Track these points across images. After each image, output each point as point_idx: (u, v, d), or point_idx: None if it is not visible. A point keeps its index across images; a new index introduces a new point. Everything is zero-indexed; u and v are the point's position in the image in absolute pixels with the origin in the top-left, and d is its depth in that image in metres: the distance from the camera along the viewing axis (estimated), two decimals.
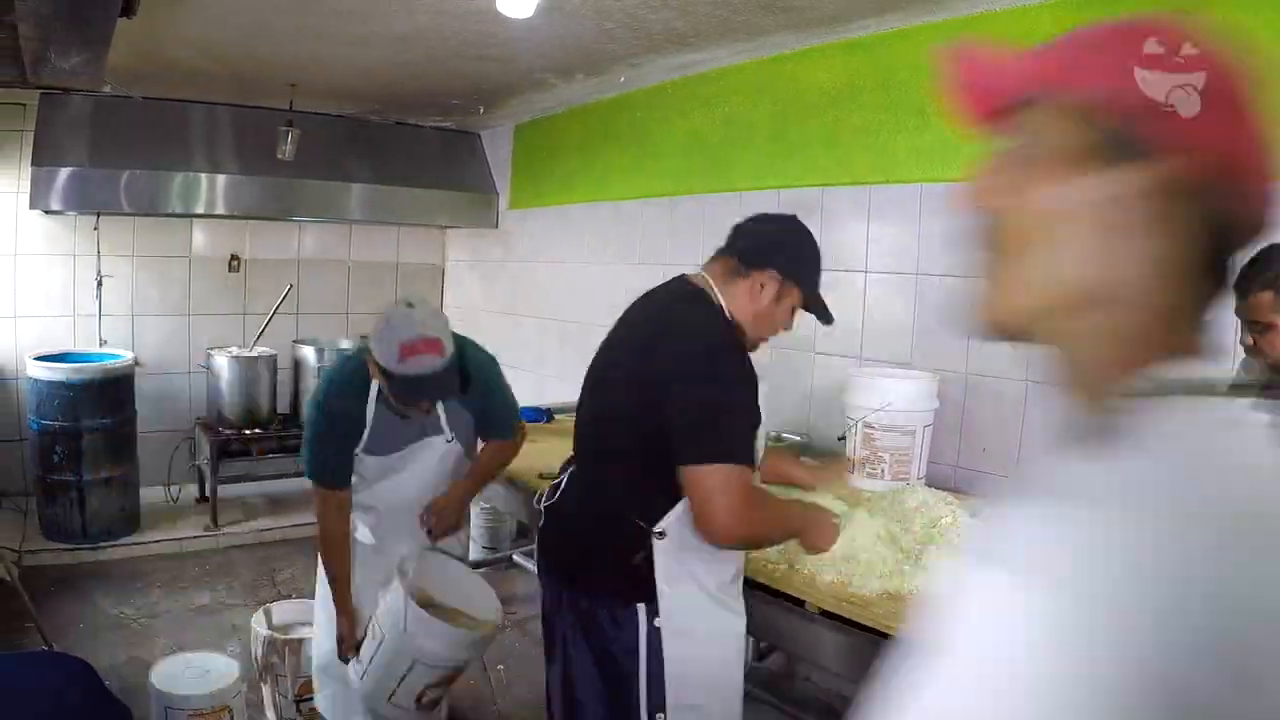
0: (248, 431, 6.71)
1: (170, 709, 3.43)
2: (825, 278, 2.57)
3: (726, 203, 5.05)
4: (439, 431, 3.26)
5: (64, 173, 5.99)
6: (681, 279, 2.56)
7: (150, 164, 6.24)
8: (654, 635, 2.38)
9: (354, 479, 3.25)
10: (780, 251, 2.48)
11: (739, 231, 2.55)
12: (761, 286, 2.44)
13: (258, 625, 4.11)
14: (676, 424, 2.21)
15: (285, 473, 7.23)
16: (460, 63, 5.22)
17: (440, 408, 3.21)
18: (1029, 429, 3.67)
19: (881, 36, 4.19)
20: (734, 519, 2.20)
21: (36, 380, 5.96)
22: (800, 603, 2.61)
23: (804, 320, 2.62)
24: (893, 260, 4.19)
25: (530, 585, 5.74)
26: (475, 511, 5.97)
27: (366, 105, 6.84)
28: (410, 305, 2.98)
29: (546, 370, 6.45)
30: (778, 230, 2.55)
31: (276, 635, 4.04)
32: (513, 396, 3.56)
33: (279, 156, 6.35)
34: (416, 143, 7.56)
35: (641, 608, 2.37)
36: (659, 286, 2.61)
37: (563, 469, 2.69)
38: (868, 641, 2.44)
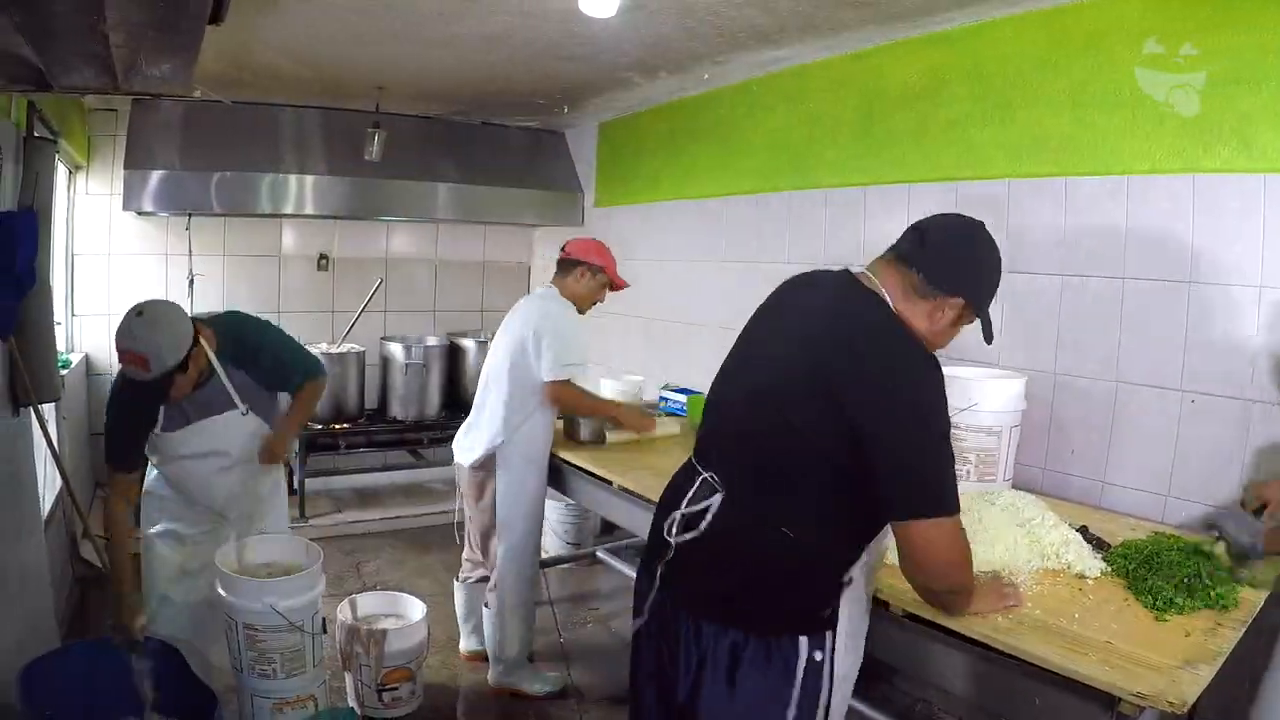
0: (335, 426, 6.85)
1: (256, 696, 3.49)
2: None
3: (811, 200, 5.02)
4: (232, 406, 3.52)
5: (156, 175, 6.15)
6: (854, 281, 2.31)
7: (240, 166, 6.39)
8: (813, 669, 2.20)
9: (160, 457, 3.54)
10: (974, 279, 2.29)
11: (925, 241, 2.28)
12: (944, 311, 2.25)
13: (342, 615, 4.20)
14: (886, 474, 2.04)
15: (372, 467, 7.37)
16: (544, 63, 5.26)
17: (228, 386, 3.47)
18: (1119, 431, 3.59)
19: (966, 29, 4.12)
20: (955, 572, 2.15)
21: None
22: (884, 604, 2.56)
23: None
24: None
25: (612, 581, 5.77)
26: (559, 508, 6.01)
27: (452, 106, 6.91)
28: (140, 314, 3.20)
29: (632, 367, 6.45)
30: (972, 252, 2.32)
31: (360, 625, 4.12)
32: (301, 348, 3.81)
33: (367, 157, 6.45)
34: (502, 142, 7.62)
35: (804, 640, 2.19)
36: (832, 281, 2.37)
37: (696, 494, 2.35)
38: (954, 648, 2.41)
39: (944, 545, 2.06)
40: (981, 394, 3.55)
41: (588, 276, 4.31)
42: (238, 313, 3.72)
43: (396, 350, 7.18)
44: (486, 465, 4.23)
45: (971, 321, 2.33)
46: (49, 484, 4.68)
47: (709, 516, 2.28)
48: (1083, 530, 2.98)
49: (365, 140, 6.40)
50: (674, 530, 2.35)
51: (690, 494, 2.35)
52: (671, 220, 6.43)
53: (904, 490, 2.05)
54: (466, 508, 4.44)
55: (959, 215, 2.38)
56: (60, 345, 4.65)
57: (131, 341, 3.14)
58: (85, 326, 6.75)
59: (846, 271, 2.35)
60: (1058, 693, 2.15)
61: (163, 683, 3.23)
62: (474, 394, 4.38)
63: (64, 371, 4.92)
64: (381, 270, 7.69)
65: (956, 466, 2.08)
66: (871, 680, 4.20)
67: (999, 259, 2.33)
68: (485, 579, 4.40)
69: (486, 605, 4.33)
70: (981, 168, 4.07)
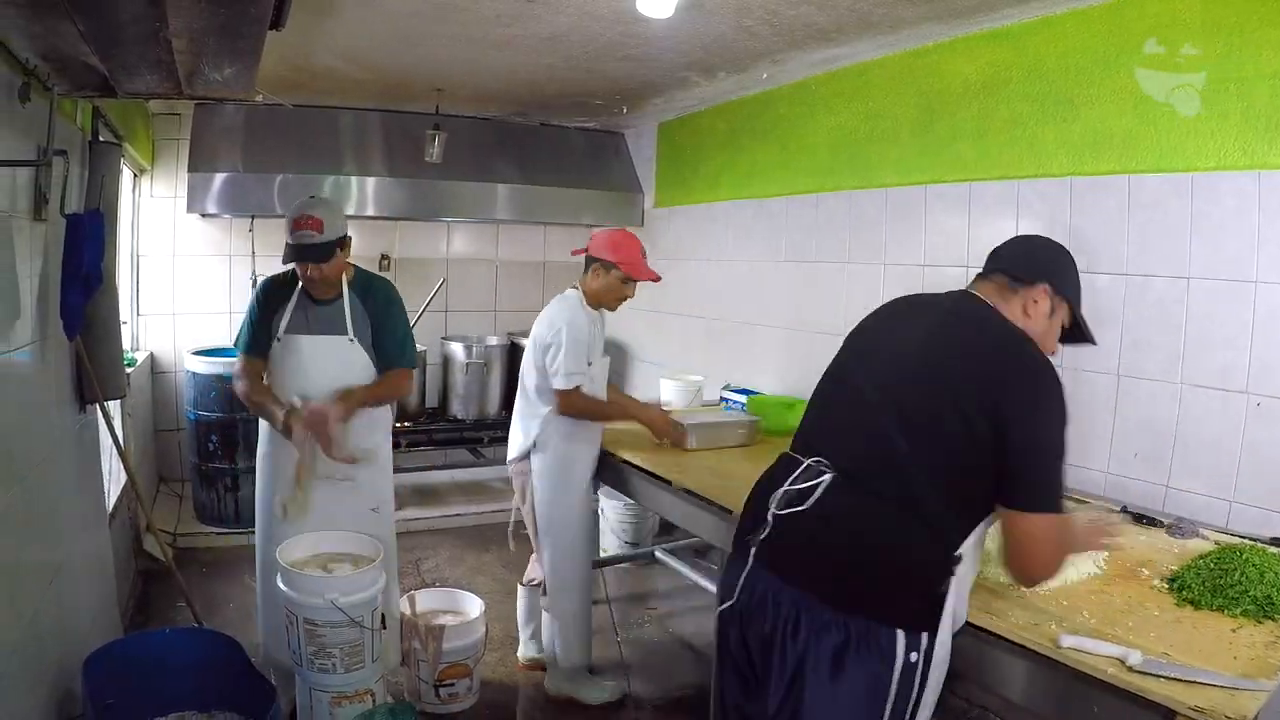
0: (397, 424, 6.86)
1: (314, 690, 3.53)
2: (972, 275, 2.53)
3: (872, 199, 4.97)
4: (344, 331, 3.88)
5: (219, 178, 6.28)
6: (965, 293, 2.49)
7: (302, 168, 6.50)
8: (909, 670, 2.18)
9: (271, 361, 3.91)
10: (1051, 265, 2.47)
11: (999, 252, 2.54)
12: (1036, 303, 2.41)
13: (402, 611, 4.22)
14: (1013, 464, 2.13)
15: (432, 465, 7.42)
16: (603, 63, 5.26)
17: (347, 312, 3.89)
18: (1183, 434, 3.50)
19: (1026, 25, 4.05)
20: (1053, 566, 2.26)
21: (194, 373, 6.28)
22: None
23: None
24: None
25: (670, 581, 5.75)
26: (618, 507, 6.01)
27: (511, 108, 6.95)
28: (313, 196, 3.92)
29: (692, 368, 6.43)
30: (1044, 246, 2.56)
31: (418, 621, 4.15)
32: (410, 338, 4.14)
33: (427, 159, 6.51)
34: (561, 143, 7.66)
35: (900, 636, 2.17)
36: (948, 299, 2.51)
37: (803, 474, 2.38)
38: (1012, 654, 2.37)
39: (1054, 538, 2.17)
40: None
41: (601, 274, 4.20)
42: (383, 276, 4.31)
43: (457, 350, 7.25)
44: (523, 463, 4.25)
45: (1065, 318, 2.47)
46: (114, 479, 4.79)
47: (818, 492, 2.31)
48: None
49: (425, 142, 6.47)
50: (778, 504, 2.37)
51: (795, 475, 2.39)
52: (731, 221, 6.41)
53: (1033, 485, 2.15)
54: (518, 504, 4.44)
55: (1027, 234, 2.70)
56: (126, 344, 4.74)
57: (311, 208, 3.75)
58: (150, 326, 6.92)
59: (954, 292, 2.52)
60: (1116, 702, 2.10)
61: (222, 675, 3.28)
62: None
63: (129, 370, 5.02)
64: (442, 271, 7.76)
65: None
66: None
67: (1071, 256, 2.50)
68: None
69: (546, 610, 4.33)
70: (1043, 166, 4.00)
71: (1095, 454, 3.77)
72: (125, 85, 2.94)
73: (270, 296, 3.93)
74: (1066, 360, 3.84)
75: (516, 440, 4.28)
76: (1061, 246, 2.52)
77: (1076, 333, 2.52)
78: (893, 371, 2.36)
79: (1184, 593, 2.57)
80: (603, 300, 4.27)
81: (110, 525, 4.36)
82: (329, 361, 3.87)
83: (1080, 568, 2.68)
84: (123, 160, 4.58)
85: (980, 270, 2.54)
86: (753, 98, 6.07)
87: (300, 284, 3.88)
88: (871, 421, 2.32)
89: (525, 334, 7.51)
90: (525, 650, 4.67)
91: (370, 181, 6.69)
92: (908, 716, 2.23)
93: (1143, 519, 3.32)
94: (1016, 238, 2.64)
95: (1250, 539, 3.02)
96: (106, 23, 2.23)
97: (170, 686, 3.25)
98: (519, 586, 4.64)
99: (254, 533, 4.07)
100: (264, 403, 3.76)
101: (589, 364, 4.14)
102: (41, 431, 3.24)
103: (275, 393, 3.82)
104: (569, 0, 4.04)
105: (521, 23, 4.41)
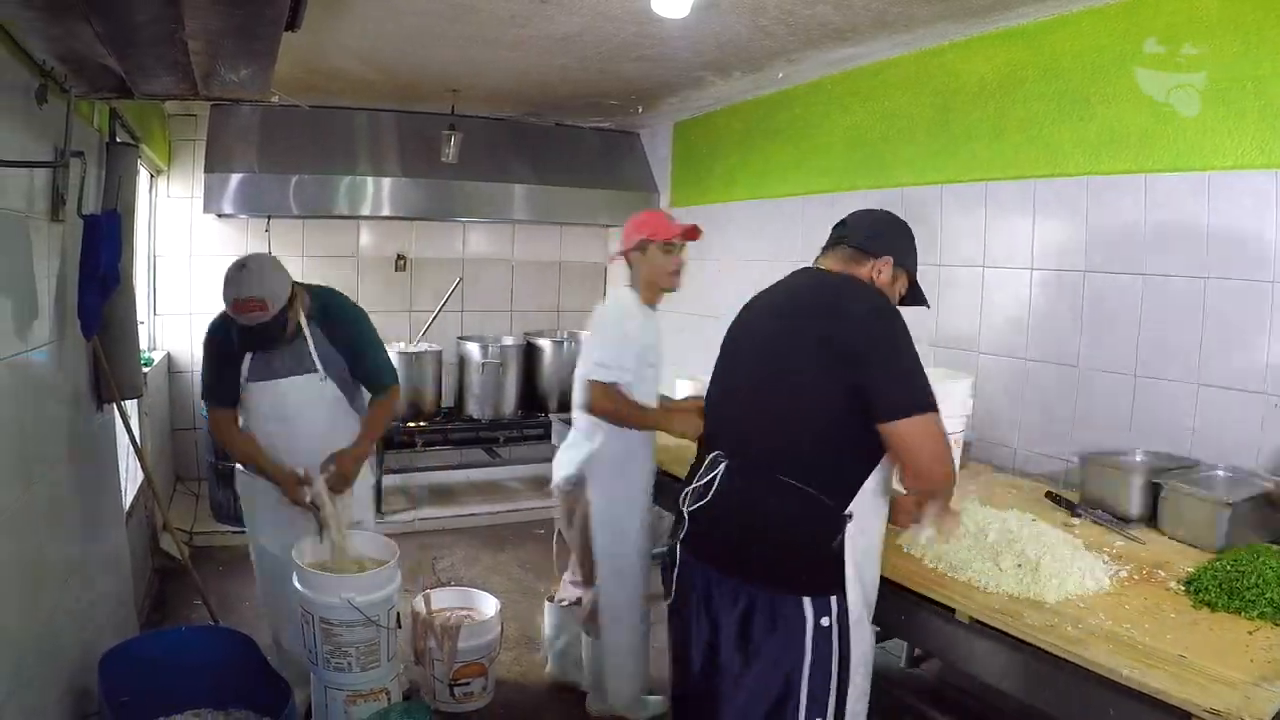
0: (412, 424, 6.94)
1: (330, 688, 3.55)
2: (991, 275, 2.65)
3: (888, 199, 4.93)
4: (313, 368, 3.70)
5: (235, 178, 6.32)
6: (808, 269, 2.74)
7: (318, 169, 6.54)
8: (822, 635, 2.36)
9: (247, 415, 3.77)
10: (893, 239, 2.72)
11: (846, 224, 2.77)
12: (880, 271, 2.65)
13: (417, 610, 4.23)
14: (877, 381, 2.32)
15: (447, 464, 7.43)
16: (617, 63, 5.27)
17: (311, 349, 3.68)
18: (1201, 435, 3.47)
19: (1042, 24, 4.04)
20: (947, 459, 2.40)
21: None
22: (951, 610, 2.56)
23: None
24: (1058, 257, 4.02)
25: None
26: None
27: (526, 108, 6.96)
28: (243, 266, 3.46)
29: (709, 367, 6.40)
30: (885, 220, 2.80)
31: (434, 620, 4.15)
32: (384, 350, 4.00)
33: (442, 159, 6.54)
34: (577, 143, 7.67)
35: (808, 602, 2.37)
36: (791, 278, 2.73)
37: (705, 469, 2.60)
38: (1019, 652, 2.37)
39: (933, 436, 2.33)
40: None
41: (641, 258, 3.90)
42: (333, 289, 3.95)
43: (473, 350, 7.26)
44: (575, 484, 3.90)
45: (903, 286, 2.74)
46: (131, 478, 4.81)
47: (715, 483, 2.54)
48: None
49: (441, 142, 6.49)
50: (688, 502, 2.62)
51: (699, 472, 2.63)
52: (748, 220, 6.41)
53: (895, 396, 2.32)
54: (561, 529, 4.14)
55: (868, 208, 2.89)
56: (143, 344, 4.77)
57: (248, 289, 3.40)
58: (167, 326, 6.95)
59: (798, 269, 2.75)
60: (1133, 704, 2.09)
61: (237, 673, 3.29)
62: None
63: (146, 369, 5.05)
64: (458, 270, 7.78)
65: None
66: (943, 687, 4.16)
67: (909, 229, 2.79)
68: (579, 602, 4.10)
69: (587, 633, 4.08)
70: (1059, 165, 3.98)
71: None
72: (142, 86, 2.96)
73: (226, 341, 3.66)
74: (1084, 362, 3.85)
75: (568, 457, 3.94)
76: (902, 221, 2.79)
77: (912, 298, 2.78)
78: (752, 349, 2.67)
79: (1200, 595, 2.55)
80: (659, 282, 3.91)
81: (127, 524, 4.38)
82: (303, 403, 3.74)
83: (1095, 578, 2.66)
84: (139, 161, 4.61)
85: (824, 247, 2.78)
86: (768, 97, 6.06)
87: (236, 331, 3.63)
88: (747, 402, 2.61)
89: (542, 334, 7.61)
90: (554, 669, 4.45)
91: (386, 182, 6.71)
92: (833, 691, 2.38)
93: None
94: (859, 212, 2.83)
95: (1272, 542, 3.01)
96: (123, 24, 2.25)
97: (186, 684, 3.26)
98: (546, 604, 4.42)
99: None
100: (262, 466, 3.70)
101: (650, 366, 3.80)
102: (59, 430, 3.26)
103: (260, 444, 3.74)
104: (582, 1, 4.04)
105: (535, 23, 4.41)
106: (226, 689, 3.31)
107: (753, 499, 2.46)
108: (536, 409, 7.43)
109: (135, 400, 4.48)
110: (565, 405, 4.35)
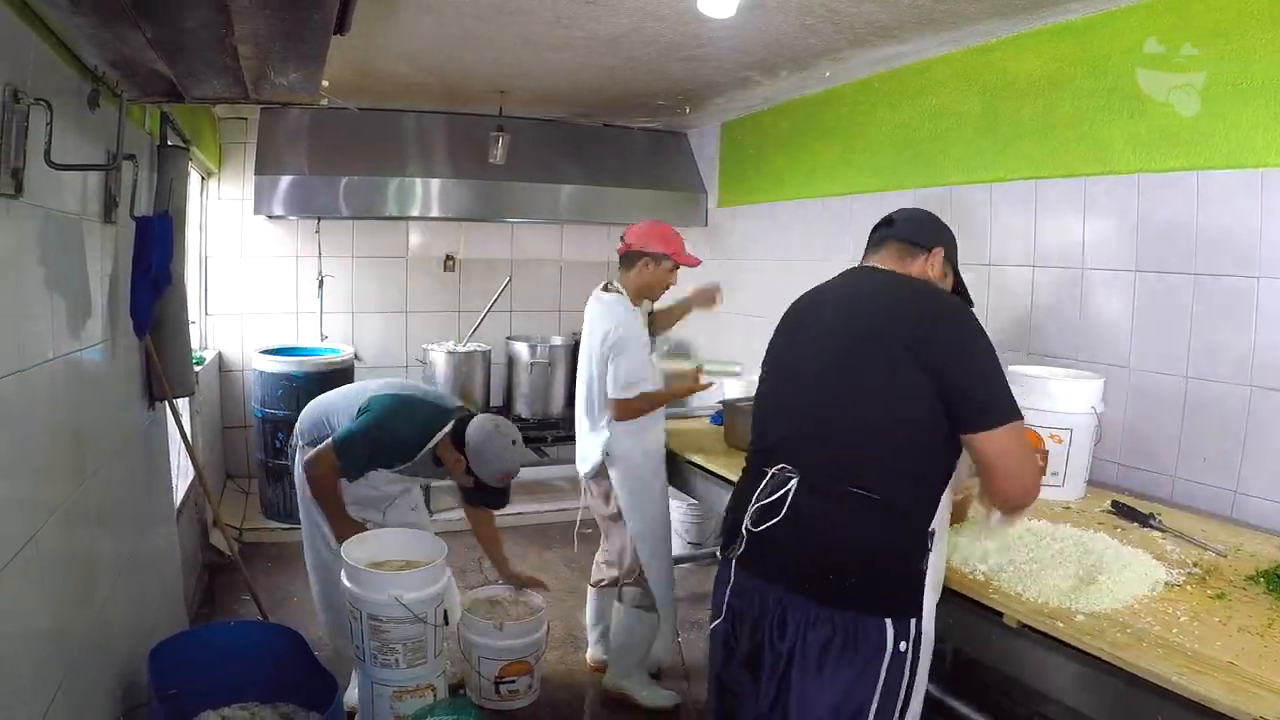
0: None
1: (376, 684, 3.59)
2: (1041, 275, 2.59)
3: (938, 198, 4.89)
4: (439, 476, 4.15)
5: (285, 180, 6.42)
6: (864, 268, 2.64)
7: (367, 170, 6.61)
8: (898, 659, 2.24)
9: (368, 484, 4.00)
10: (939, 232, 2.70)
11: (892, 221, 2.69)
12: (933, 265, 2.62)
13: (464, 608, 4.26)
14: (962, 393, 2.24)
15: None
16: (665, 64, 5.27)
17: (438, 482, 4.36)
18: (1253, 438, 3.39)
19: (1091, 20, 3.97)
20: (1032, 472, 2.31)
21: (261, 372, 6.41)
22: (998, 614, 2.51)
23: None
24: (1110, 255, 3.96)
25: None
26: (680, 507, 6.02)
27: (574, 109, 6.98)
28: (514, 443, 3.88)
29: (755, 369, 6.39)
30: (929, 215, 2.76)
31: (480, 618, 4.19)
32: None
33: (491, 160, 6.58)
34: (624, 143, 7.68)
35: (889, 624, 2.24)
36: (848, 279, 2.62)
37: (770, 485, 2.42)
38: (1073, 660, 2.33)
39: (1020, 446, 2.26)
40: (1047, 394, 3.59)
41: (651, 266, 4.19)
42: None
43: (522, 349, 7.31)
44: (601, 473, 4.22)
45: (951, 285, 2.70)
46: (182, 475, 4.90)
47: (788, 499, 2.36)
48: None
49: (489, 144, 6.53)
50: (752, 519, 2.43)
51: (761, 487, 2.44)
52: (795, 220, 6.37)
53: (982, 405, 2.23)
54: (596, 514, 4.41)
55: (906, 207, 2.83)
56: (194, 343, 4.85)
57: (515, 465, 3.92)
58: (218, 325, 7.08)
59: (851, 269, 2.67)
60: (1181, 711, 2.05)
61: (285, 668, 3.33)
62: None
63: (198, 368, 5.14)
64: (507, 270, 7.84)
65: None
66: (987, 691, 4.09)
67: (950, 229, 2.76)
68: (615, 582, 4.33)
69: (620, 600, 4.29)
70: (1109, 163, 3.91)
71: (1163, 458, 3.69)
72: (193, 91, 3.00)
73: (405, 447, 3.91)
74: (1134, 363, 3.79)
75: (590, 453, 4.24)
76: (943, 220, 2.76)
77: (956, 295, 2.67)
78: (815, 355, 2.49)
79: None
80: (652, 292, 4.27)
81: (178, 520, 4.46)
82: (408, 497, 4.27)
83: (1151, 577, 2.62)
84: (190, 164, 4.68)
85: (869, 245, 2.72)
86: (815, 96, 6.03)
87: (435, 452, 3.93)
88: (812, 412, 2.44)
89: None
90: (594, 652, 4.67)
91: (435, 183, 6.76)
92: (899, 707, 2.29)
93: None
94: (904, 210, 2.77)
95: None
96: (173, 30, 2.28)
97: (233, 678, 3.30)
98: (589, 589, 4.63)
99: None
100: (337, 515, 3.95)
101: (650, 355, 4.14)
102: (112, 427, 3.32)
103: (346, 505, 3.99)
104: (629, 1, 4.05)
105: (581, 24, 4.42)
106: (273, 683, 3.35)
107: (831, 516, 2.31)
108: None
109: (187, 398, 4.56)
110: None
